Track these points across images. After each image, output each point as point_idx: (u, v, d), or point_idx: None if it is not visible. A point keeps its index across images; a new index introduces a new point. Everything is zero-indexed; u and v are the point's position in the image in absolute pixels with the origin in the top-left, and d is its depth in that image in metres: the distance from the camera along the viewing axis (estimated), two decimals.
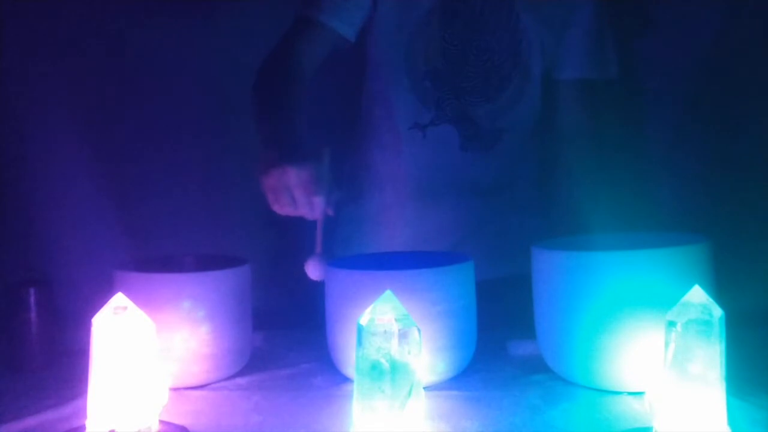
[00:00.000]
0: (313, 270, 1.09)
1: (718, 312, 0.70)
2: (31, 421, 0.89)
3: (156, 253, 1.20)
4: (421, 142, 1.32)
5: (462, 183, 1.35)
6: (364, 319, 0.71)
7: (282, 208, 1.08)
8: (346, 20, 1.28)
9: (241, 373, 1.07)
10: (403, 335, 0.70)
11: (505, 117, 1.33)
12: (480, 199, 1.36)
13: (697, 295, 0.71)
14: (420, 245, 1.32)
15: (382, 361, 0.70)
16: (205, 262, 1.11)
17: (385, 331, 0.70)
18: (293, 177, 1.05)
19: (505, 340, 1.14)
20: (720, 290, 0.91)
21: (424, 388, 0.75)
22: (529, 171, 1.41)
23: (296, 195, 1.06)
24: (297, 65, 1.26)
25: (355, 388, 0.72)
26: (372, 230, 1.39)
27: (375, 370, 0.70)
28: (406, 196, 1.36)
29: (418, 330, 0.72)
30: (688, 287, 0.72)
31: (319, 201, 1.07)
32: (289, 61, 1.26)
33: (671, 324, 0.71)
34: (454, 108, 1.31)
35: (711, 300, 0.71)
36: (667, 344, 0.72)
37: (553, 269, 0.98)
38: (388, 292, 0.73)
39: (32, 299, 1.10)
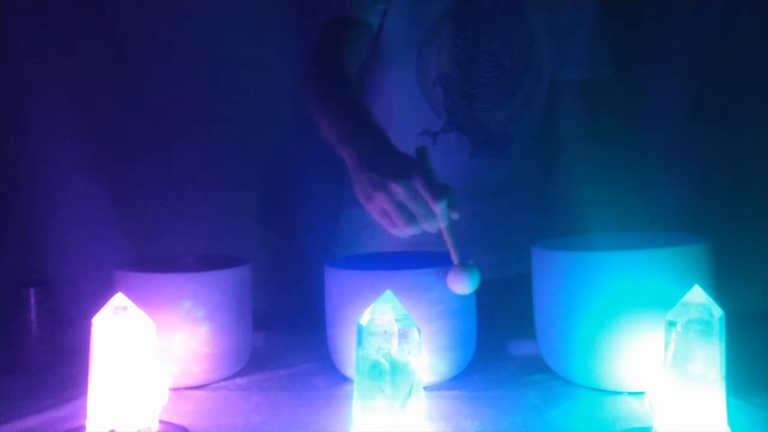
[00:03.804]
0: (456, 284, 0.97)
1: (718, 312, 0.71)
2: (31, 421, 0.89)
3: (156, 253, 1.20)
4: (430, 149, 1.31)
5: (469, 187, 1.34)
6: (364, 319, 0.71)
7: (403, 230, 0.96)
8: (374, 11, 1.26)
9: (241, 373, 1.07)
10: (403, 335, 0.70)
11: (516, 122, 1.33)
12: (487, 202, 1.36)
13: (697, 295, 0.71)
14: (423, 248, 1.31)
15: (382, 361, 0.70)
16: (205, 262, 1.11)
17: (385, 331, 0.70)
18: (401, 192, 0.94)
19: (505, 340, 1.14)
20: (720, 290, 0.91)
21: (424, 388, 0.75)
22: (534, 171, 1.41)
23: (413, 209, 0.94)
24: (343, 66, 1.22)
25: (355, 388, 0.72)
26: (373, 232, 1.39)
27: (375, 370, 0.70)
28: None
29: (418, 330, 0.72)
30: (688, 287, 0.72)
31: (441, 208, 0.94)
32: (336, 65, 1.21)
33: (671, 324, 0.71)
34: (465, 115, 1.30)
35: (711, 300, 0.71)
36: (667, 344, 0.72)
37: (553, 269, 0.98)
38: (388, 292, 0.73)
39: (32, 299, 1.10)
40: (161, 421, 0.84)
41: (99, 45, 1.50)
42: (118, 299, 0.80)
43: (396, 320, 0.70)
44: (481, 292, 1.06)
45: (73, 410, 0.92)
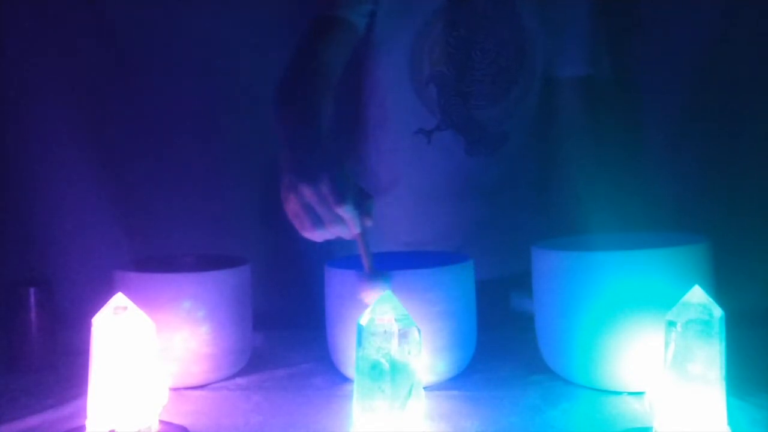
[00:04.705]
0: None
1: (718, 312, 0.70)
2: (31, 421, 0.89)
3: (156, 253, 1.20)
4: (425, 148, 1.31)
5: (466, 186, 1.34)
6: (364, 319, 0.71)
7: (311, 233, 0.95)
8: (361, 13, 1.26)
9: (241, 373, 1.07)
10: (403, 335, 0.70)
11: (510, 118, 1.33)
12: (484, 200, 1.36)
13: (697, 295, 0.71)
14: (422, 247, 1.31)
15: (382, 361, 0.70)
16: (205, 262, 1.11)
17: (385, 331, 0.70)
18: (310, 194, 0.92)
19: (505, 340, 1.14)
20: (720, 290, 0.91)
21: (424, 388, 0.75)
22: (531, 170, 1.41)
23: (319, 212, 0.93)
24: (322, 68, 1.20)
25: (355, 388, 0.72)
26: (373, 232, 1.39)
27: (375, 370, 0.70)
28: (407, 199, 1.36)
29: (418, 330, 0.72)
30: (688, 287, 0.72)
31: (346, 212, 0.92)
32: (312, 65, 1.20)
33: (671, 324, 0.71)
34: (460, 113, 1.30)
35: (711, 300, 0.71)
36: (667, 344, 0.72)
37: (553, 269, 0.98)
38: (388, 292, 0.73)
39: (32, 299, 1.10)
40: (161, 421, 0.84)
41: (99, 45, 1.50)
42: (118, 299, 0.80)
43: (396, 320, 0.70)
44: (481, 292, 1.06)
45: (73, 410, 0.92)
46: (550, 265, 0.98)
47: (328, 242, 1.45)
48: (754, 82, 1.43)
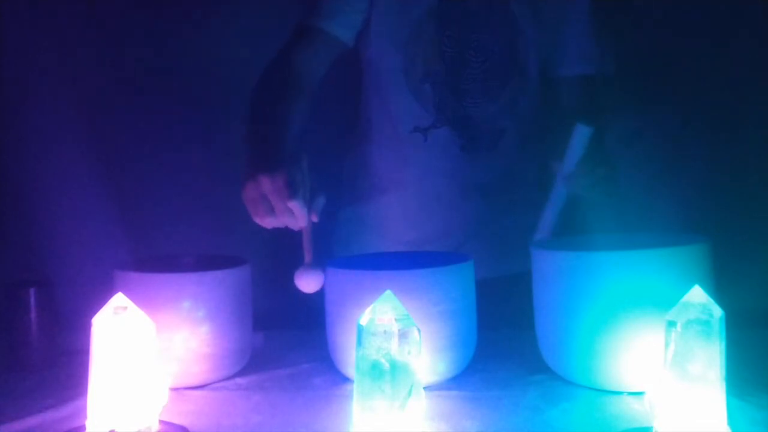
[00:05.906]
0: (303, 282, 1.03)
1: (718, 312, 0.70)
2: (31, 421, 0.89)
3: (156, 253, 1.20)
4: (422, 146, 1.32)
5: (464, 184, 1.34)
6: (364, 319, 0.71)
7: (262, 219, 1.03)
8: (345, 25, 1.28)
9: (241, 373, 1.07)
10: (403, 335, 0.70)
11: (506, 116, 1.33)
12: (482, 199, 1.36)
13: (697, 295, 0.71)
14: (422, 246, 1.32)
15: (382, 361, 0.70)
16: (205, 262, 1.11)
17: (385, 331, 0.70)
18: (267, 184, 1.00)
19: (505, 340, 1.14)
20: (720, 290, 0.91)
21: (424, 388, 0.75)
22: (529, 169, 1.41)
23: (273, 202, 1.01)
24: (296, 75, 1.24)
25: (355, 388, 0.72)
26: (372, 232, 1.39)
27: (375, 370, 0.70)
28: (407, 198, 1.36)
29: (418, 330, 0.72)
30: (688, 287, 0.72)
31: (296, 206, 1.01)
32: (286, 72, 1.24)
33: (671, 324, 0.71)
34: (455, 110, 1.31)
35: (711, 300, 0.71)
36: (667, 344, 0.72)
37: (553, 269, 0.98)
38: (388, 292, 0.73)
39: (32, 299, 1.10)
40: (161, 421, 0.84)
41: (99, 45, 1.50)
42: (118, 299, 0.80)
43: (396, 320, 0.70)
44: (481, 292, 1.06)
45: (73, 410, 0.92)
46: (550, 265, 0.98)
47: (328, 242, 1.47)
48: (755, 82, 1.43)
